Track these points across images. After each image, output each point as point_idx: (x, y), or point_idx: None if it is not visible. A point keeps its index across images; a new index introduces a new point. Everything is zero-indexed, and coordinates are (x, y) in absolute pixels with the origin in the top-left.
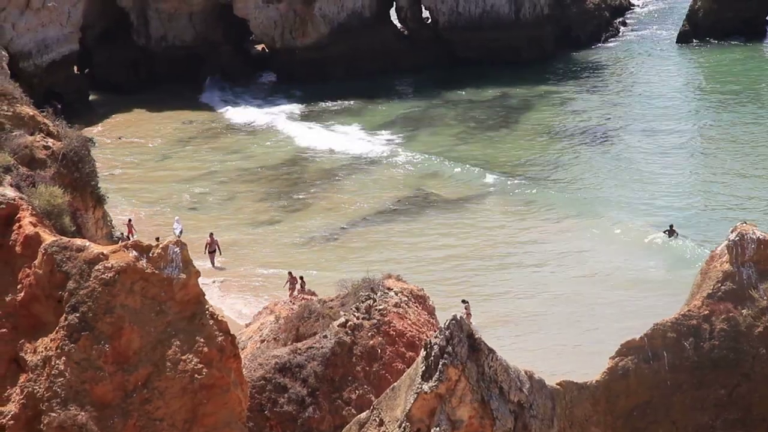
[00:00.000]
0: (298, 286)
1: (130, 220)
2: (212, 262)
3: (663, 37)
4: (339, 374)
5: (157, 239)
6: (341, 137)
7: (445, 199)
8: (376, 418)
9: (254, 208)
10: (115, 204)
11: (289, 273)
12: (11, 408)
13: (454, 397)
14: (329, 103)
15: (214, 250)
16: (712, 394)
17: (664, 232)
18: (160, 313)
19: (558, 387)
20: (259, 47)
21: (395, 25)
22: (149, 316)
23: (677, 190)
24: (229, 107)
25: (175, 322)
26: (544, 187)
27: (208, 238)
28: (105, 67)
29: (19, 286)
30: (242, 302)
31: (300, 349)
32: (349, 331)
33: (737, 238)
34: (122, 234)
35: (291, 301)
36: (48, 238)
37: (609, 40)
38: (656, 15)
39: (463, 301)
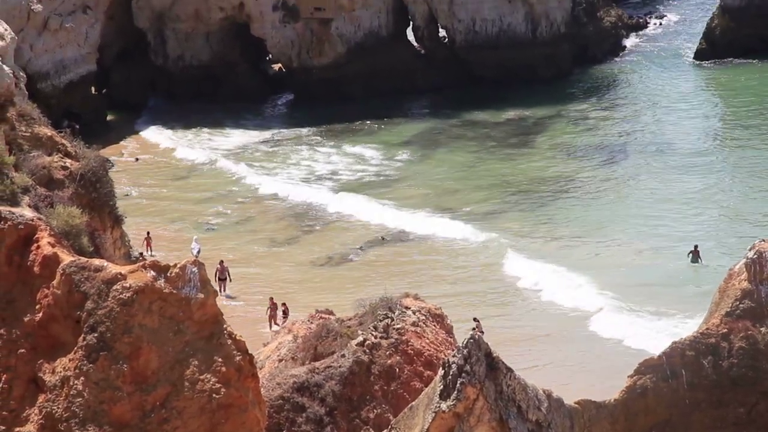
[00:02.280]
0: (279, 313)
1: (148, 233)
2: (222, 290)
3: (680, 55)
4: (357, 393)
5: (141, 254)
6: (351, 161)
7: (460, 217)
8: None
9: (272, 228)
10: (133, 224)
11: (271, 299)
12: (30, 428)
13: (473, 416)
14: (343, 125)
15: (225, 278)
16: (731, 413)
17: (689, 254)
18: (178, 333)
19: (576, 406)
20: (276, 67)
21: (412, 45)
22: (167, 335)
23: (693, 209)
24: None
25: (193, 341)
26: (559, 206)
27: (218, 266)
28: (122, 87)
29: (37, 307)
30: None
31: (318, 368)
32: (367, 350)
33: (755, 256)
34: (140, 254)
35: (309, 321)
36: (66, 258)
37: (626, 58)
38: (673, 33)
39: (475, 320)
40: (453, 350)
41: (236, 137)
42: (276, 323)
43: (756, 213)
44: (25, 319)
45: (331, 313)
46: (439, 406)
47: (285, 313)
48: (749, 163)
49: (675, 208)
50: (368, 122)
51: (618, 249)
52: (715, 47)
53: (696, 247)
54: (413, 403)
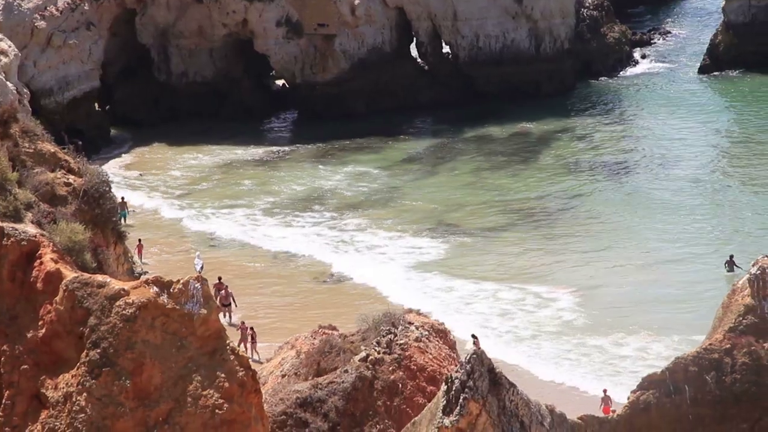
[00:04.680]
0: (249, 337)
1: (140, 241)
2: (228, 317)
3: (683, 71)
4: (360, 409)
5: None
6: (354, 177)
7: (465, 231)
8: None
9: (273, 244)
10: (135, 239)
11: (242, 323)
12: None
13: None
14: (346, 141)
15: (229, 303)
16: (734, 429)
17: (725, 264)
18: (181, 349)
19: (579, 421)
20: (280, 83)
21: (415, 61)
22: (170, 351)
23: (700, 224)
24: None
25: (196, 357)
26: (564, 221)
27: (222, 291)
28: (126, 103)
29: (40, 323)
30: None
31: (321, 383)
32: (370, 366)
33: (759, 271)
34: (141, 272)
35: (312, 336)
36: (69, 274)
37: (629, 73)
38: (677, 49)
39: (473, 336)
40: (456, 365)
41: (238, 153)
42: (246, 347)
43: (764, 227)
44: (28, 335)
45: (334, 328)
46: (442, 422)
47: (253, 339)
48: (756, 177)
49: (681, 222)
50: (371, 138)
51: (621, 265)
52: (718, 63)
53: (731, 257)
54: (416, 418)
